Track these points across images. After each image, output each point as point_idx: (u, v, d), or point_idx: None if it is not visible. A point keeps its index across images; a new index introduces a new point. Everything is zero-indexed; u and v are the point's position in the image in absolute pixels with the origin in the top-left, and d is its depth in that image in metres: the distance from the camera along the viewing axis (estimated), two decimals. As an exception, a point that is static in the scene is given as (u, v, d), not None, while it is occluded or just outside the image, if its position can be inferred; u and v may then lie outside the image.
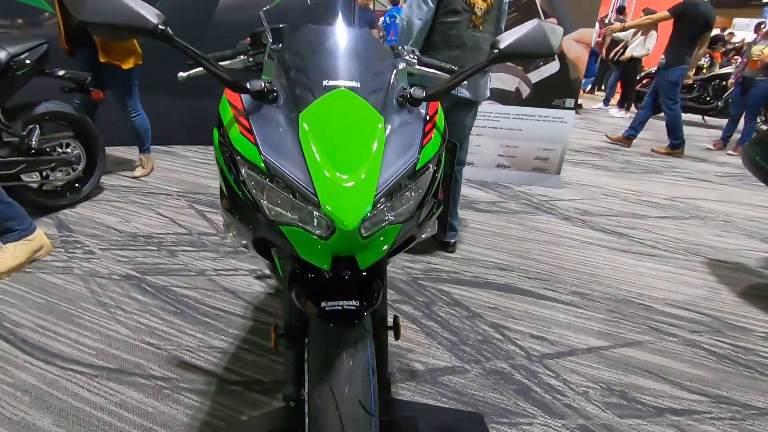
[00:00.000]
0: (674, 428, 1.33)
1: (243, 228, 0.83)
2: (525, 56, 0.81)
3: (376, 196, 0.69)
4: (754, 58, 4.50)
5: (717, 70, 7.05)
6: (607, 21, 7.94)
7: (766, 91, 4.61)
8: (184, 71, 0.99)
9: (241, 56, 1.02)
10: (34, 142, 2.18)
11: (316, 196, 0.67)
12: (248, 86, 0.75)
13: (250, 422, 1.24)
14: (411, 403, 1.33)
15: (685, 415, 1.39)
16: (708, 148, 5.24)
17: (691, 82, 6.82)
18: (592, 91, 9.37)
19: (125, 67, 2.56)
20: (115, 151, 3.40)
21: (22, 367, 1.39)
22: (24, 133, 2.15)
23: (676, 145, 4.72)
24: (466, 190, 3.24)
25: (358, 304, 0.79)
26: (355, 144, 0.71)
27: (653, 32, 6.54)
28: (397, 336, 0.96)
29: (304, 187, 0.68)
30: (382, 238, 0.74)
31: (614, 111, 7.49)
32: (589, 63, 7.26)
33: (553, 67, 3.18)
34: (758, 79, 4.59)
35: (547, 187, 3.43)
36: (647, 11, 6.58)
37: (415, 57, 1.06)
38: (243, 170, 0.74)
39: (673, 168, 4.30)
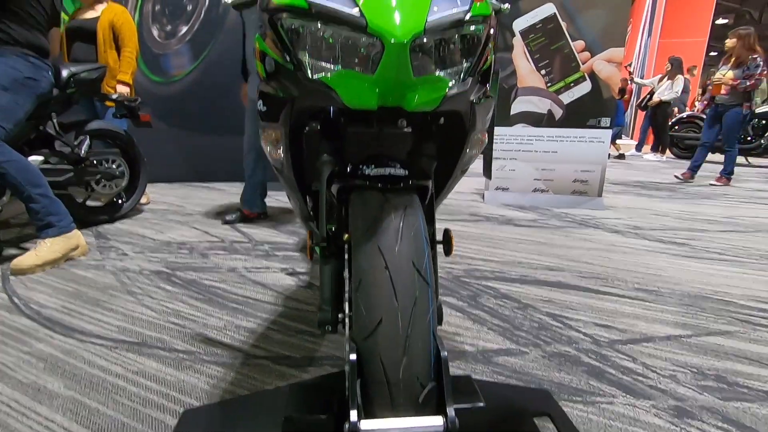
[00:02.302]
0: (797, 415, 1.06)
1: (280, 111, 0.77)
2: None
3: (427, 22, 0.63)
4: (716, 82, 4.36)
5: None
6: (631, 69, 8.10)
7: (739, 116, 4.27)
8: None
9: None
10: (83, 152, 2.28)
11: (364, 17, 0.62)
12: None
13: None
14: (467, 377, 1.14)
15: (808, 402, 1.11)
16: (676, 177, 4.83)
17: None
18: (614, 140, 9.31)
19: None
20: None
21: (42, 340, 1.31)
22: (75, 143, 2.27)
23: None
24: (503, 211, 3.12)
25: (407, 173, 0.70)
26: None
27: (680, 76, 6.58)
28: (448, 251, 0.84)
29: (348, 12, 0.63)
30: (433, 85, 0.67)
31: (650, 156, 7.34)
32: (618, 112, 7.32)
33: (584, 87, 3.18)
34: (729, 104, 4.30)
35: (589, 209, 3.26)
36: (674, 60, 6.70)
37: None
38: (285, 25, 0.70)
39: (725, 194, 4.04)
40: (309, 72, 0.69)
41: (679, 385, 1.16)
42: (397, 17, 0.61)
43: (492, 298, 1.67)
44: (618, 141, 7.58)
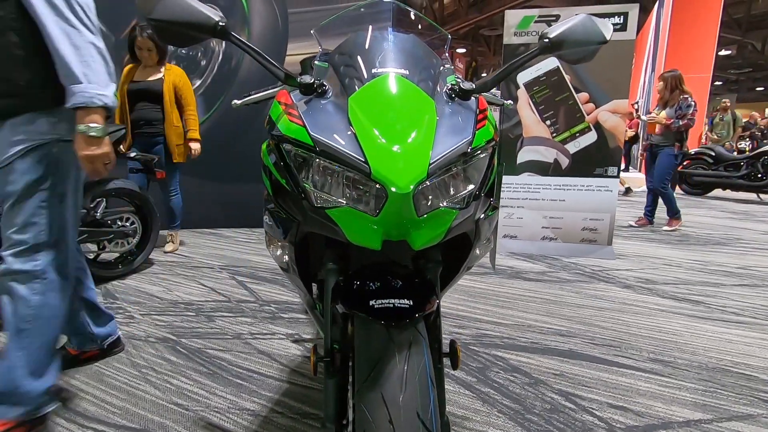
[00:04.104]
0: None
1: (286, 230, 0.78)
2: (576, 45, 0.80)
3: (430, 165, 0.64)
4: (649, 122, 4.21)
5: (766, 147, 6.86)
6: (636, 106, 8.17)
7: (671, 157, 4.09)
8: (238, 99, 1.05)
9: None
10: (98, 215, 2.33)
11: (367, 163, 0.63)
12: (299, 80, 0.77)
13: None
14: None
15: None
16: (631, 225, 4.51)
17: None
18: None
19: (177, 161, 2.91)
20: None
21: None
22: (92, 206, 2.32)
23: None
24: (512, 262, 3.09)
25: (411, 303, 0.69)
26: (406, 117, 0.68)
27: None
28: (455, 365, 0.82)
29: (352, 155, 0.64)
30: (436, 221, 0.68)
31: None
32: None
33: (590, 137, 3.20)
34: (662, 144, 4.12)
35: (600, 258, 3.22)
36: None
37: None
38: (291, 153, 0.72)
39: (739, 240, 3.96)
40: (314, 202, 0.71)
41: (702, 487, 1.10)
42: (399, 165, 0.62)
43: (501, 371, 1.62)
44: (623, 174, 7.54)
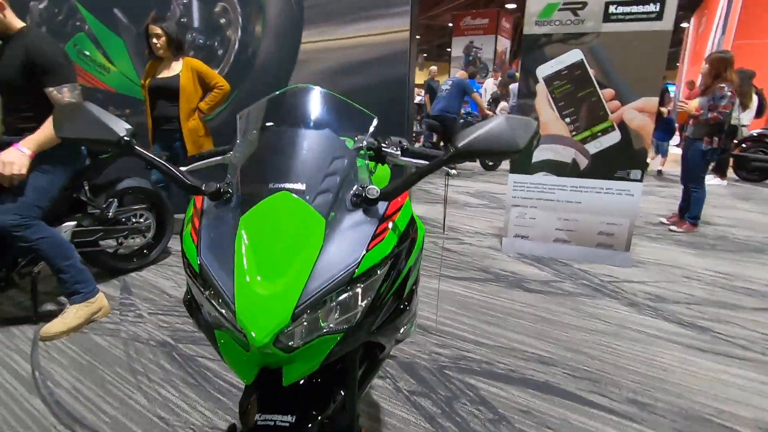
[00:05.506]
0: None
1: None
2: (486, 154, 0.75)
3: (298, 307, 0.65)
4: (680, 110, 3.72)
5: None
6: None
7: (698, 153, 3.63)
8: (184, 167, 1.08)
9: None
10: (111, 214, 2.50)
11: (234, 302, 0.65)
12: (203, 188, 0.79)
13: None
14: None
15: None
16: (662, 222, 4.14)
17: None
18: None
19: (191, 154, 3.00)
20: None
21: (45, 430, 1.48)
22: (104, 206, 2.49)
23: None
24: (518, 266, 3.03)
25: (294, 420, 0.73)
26: (287, 251, 0.69)
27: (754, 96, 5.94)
28: None
29: (226, 294, 0.67)
30: (313, 351, 0.69)
31: (710, 178, 6.72)
32: (667, 126, 6.74)
33: (613, 137, 2.99)
34: (692, 137, 3.68)
35: (614, 265, 3.08)
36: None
37: (399, 149, 1.05)
38: (186, 270, 0.75)
39: (782, 246, 3.64)
40: (205, 316, 0.74)
41: None
42: (262, 312, 0.63)
43: (468, 403, 1.65)
44: (660, 156, 7.00)
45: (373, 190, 0.78)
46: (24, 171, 1.83)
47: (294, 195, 0.74)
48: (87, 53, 3.59)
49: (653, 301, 2.54)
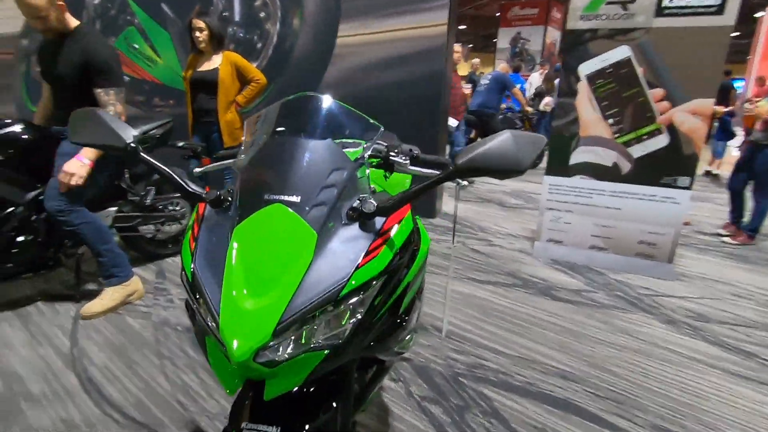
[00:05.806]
0: None
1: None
2: (486, 173, 0.71)
3: (281, 323, 0.64)
4: (747, 113, 3.32)
5: None
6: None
7: None
8: (199, 168, 1.11)
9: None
10: (149, 201, 2.63)
11: (218, 315, 0.66)
12: (204, 195, 0.80)
13: None
14: None
15: None
16: (719, 234, 3.79)
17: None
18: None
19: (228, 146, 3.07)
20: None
21: (77, 405, 1.59)
22: (143, 193, 2.62)
23: None
24: (548, 273, 2.91)
25: (279, 431, 0.73)
26: (276, 265, 0.69)
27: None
28: None
29: (213, 306, 0.67)
30: (297, 366, 0.69)
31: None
32: (726, 124, 6.27)
33: (660, 141, 2.79)
34: (763, 143, 3.28)
35: (655, 277, 2.90)
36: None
37: (408, 158, 1.02)
38: (181, 275, 0.77)
39: None
40: (198, 322, 0.75)
41: None
42: (244, 327, 0.63)
43: (480, 414, 1.61)
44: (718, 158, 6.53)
45: (370, 205, 0.76)
46: (82, 181, 1.97)
47: (288, 208, 0.74)
48: (136, 46, 3.77)
49: (694, 320, 2.37)
